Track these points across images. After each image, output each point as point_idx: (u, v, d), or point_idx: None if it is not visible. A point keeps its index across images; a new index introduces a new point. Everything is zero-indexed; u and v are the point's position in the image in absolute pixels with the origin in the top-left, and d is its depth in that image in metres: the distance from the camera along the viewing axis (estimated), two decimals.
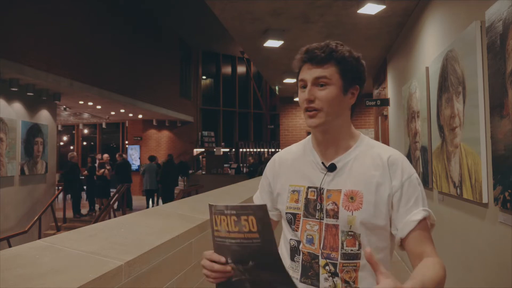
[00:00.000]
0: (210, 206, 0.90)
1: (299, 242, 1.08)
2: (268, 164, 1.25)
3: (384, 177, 1.04)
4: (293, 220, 1.10)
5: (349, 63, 1.05)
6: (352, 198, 1.03)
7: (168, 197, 10.34)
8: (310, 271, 1.05)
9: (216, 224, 0.88)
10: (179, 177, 13.08)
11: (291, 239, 1.11)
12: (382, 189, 1.03)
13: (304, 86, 1.06)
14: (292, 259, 1.10)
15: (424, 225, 1.02)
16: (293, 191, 1.12)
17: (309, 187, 1.09)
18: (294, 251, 1.10)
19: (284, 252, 1.14)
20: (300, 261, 1.07)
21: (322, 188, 1.07)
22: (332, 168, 1.08)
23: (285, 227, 1.15)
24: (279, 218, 1.21)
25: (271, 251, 0.84)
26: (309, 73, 1.05)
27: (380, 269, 0.78)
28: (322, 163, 1.09)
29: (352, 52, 1.07)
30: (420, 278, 0.88)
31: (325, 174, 1.08)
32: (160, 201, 11.07)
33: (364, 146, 1.10)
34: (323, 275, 1.03)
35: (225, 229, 0.87)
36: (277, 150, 16.98)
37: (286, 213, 1.12)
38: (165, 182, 10.50)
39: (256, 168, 12.08)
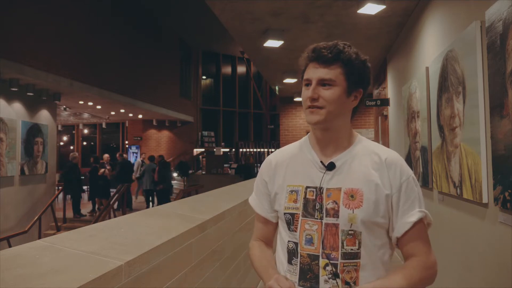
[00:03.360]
0: None
1: (297, 244, 1.07)
2: (263, 165, 1.23)
3: (383, 177, 1.05)
4: (291, 220, 1.09)
5: (355, 66, 1.05)
6: (352, 196, 1.04)
7: (164, 198, 10.26)
8: (308, 274, 1.04)
9: None
10: (180, 177, 13.10)
11: (289, 241, 1.10)
12: (381, 189, 1.04)
13: (308, 84, 1.06)
14: (289, 262, 1.09)
15: (420, 226, 1.05)
16: (291, 191, 1.11)
17: (307, 187, 1.09)
18: (292, 253, 1.09)
19: (281, 255, 1.13)
20: (298, 263, 1.06)
21: (322, 187, 1.07)
22: (331, 166, 1.08)
23: (282, 229, 1.14)
24: (277, 220, 1.20)
25: None
26: (314, 72, 1.05)
27: None
28: (321, 161, 1.09)
29: (359, 54, 1.07)
30: (380, 282, 0.99)
31: (324, 173, 1.08)
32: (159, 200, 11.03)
33: (362, 146, 1.11)
34: (323, 277, 1.02)
35: None
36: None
37: (285, 213, 1.11)
38: (163, 183, 10.44)
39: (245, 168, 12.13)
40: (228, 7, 4.04)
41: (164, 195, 10.41)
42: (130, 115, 14.45)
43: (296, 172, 1.13)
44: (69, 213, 9.66)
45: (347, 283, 1.01)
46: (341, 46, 1.05)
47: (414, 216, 1.03)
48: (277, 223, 1.21)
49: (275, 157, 1.21)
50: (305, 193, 1.08)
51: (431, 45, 3.29)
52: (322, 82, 1.04)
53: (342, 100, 1.05)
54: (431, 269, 1.04)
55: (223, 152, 17.19)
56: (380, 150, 1.10)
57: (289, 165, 1.16)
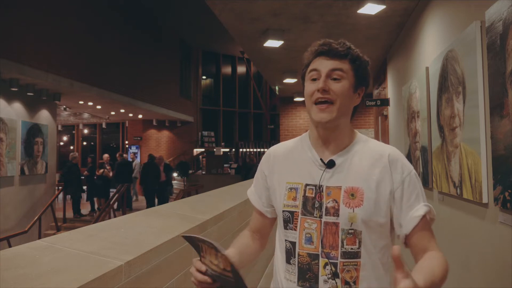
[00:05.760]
0: (191, 237, 0.96)
1: (294, 243, 1.06)
2: (263, 158, 1.22)
3: (385, 173, 1.04)
4: (291, 218, 1.08)
5: (362, 63, 1.08)
6: (352, 195, 1.03)
7: (149, 198, 10.21)
8: (307, 274, 1.03)
9: (203, 251, 0.94)
10: (180, 177, 13.09)
11: (286, 240, 1.08)
12: (383, 186, 1.03)
13: (315, 78, 1.05)
14: (288, 261, 1.08)
15: (426, 220, 1.04)
16: (291, 188, 1.10)
17: (307, 185, 1.08)
18: (289, 253, 1.07)
19: (278, 254, 1.12)
20: (297, 263, 1.05)
21: (321, 186, 1.05)
22: (331, 164, 1.07)
23: (280, 227, 1.12)
24: (274, 215, 1.19)
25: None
26: (325, 64, 1.05)
27: (402, 268, 0.76)
28: (321, 159, 1.08)
29: (363, 55, 1.10)
30: (430, 277, 0.89)
31: (323, 171, 1.07)
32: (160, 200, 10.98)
33: (362, 144, 1.10)
34: (322, 276, 1.01)
35: (209, 259, 0.93)
36: None
37: (283, 211, 1.09)
38: (145, 183, 10.37)
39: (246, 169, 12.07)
40: (228, 7, 4.04)
41: (146, 195, 10.34)
42: (130, 115, 14.45)
43: (295, 169, 1.12)
44: (69, 213, 9.66)
45: (346, 282, 1.00)
46: (348, 43, 1.08)
47: (420, 210, 1.02)
48: (272, 219, 1.20)
49: (274, 151, 1.20)
50: (305, 191, 1.07)
51: (431, 45, 3.29)
52: (333, 75, 1.04)
53: (350, 96, 1.06)
54: (447, 261, 1.02)
55: (223, 152, 17.19)
56: (380, 147, 1.10)
57: (288, 160, 1.15)
